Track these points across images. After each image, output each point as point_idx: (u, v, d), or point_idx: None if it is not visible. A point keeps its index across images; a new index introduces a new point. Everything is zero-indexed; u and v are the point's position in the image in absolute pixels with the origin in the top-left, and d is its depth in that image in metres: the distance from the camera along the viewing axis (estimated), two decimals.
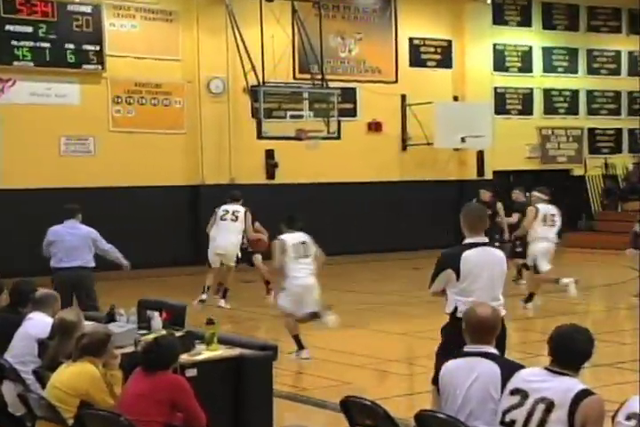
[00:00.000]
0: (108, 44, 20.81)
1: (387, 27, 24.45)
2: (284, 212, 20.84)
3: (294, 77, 22.51)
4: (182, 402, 6.08)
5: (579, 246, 24.24)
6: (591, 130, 28.02)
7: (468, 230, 7.35)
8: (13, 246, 18.49)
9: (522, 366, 5.55)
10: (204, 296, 15.53)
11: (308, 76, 21.81)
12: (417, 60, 24.99)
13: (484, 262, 7.20)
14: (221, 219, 15.35)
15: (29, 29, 19.98)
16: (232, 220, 15.33)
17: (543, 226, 15.20)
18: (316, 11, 22.02)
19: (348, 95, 23.62)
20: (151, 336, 7.17)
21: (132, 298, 9.05)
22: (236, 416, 7.40)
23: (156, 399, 5.98)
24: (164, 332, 7.51)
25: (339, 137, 21.56)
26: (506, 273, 7.45)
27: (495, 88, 26.25)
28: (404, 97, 24.56)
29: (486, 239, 7.41)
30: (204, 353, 7.40)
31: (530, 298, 15.21)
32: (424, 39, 25.08)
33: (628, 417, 4.83)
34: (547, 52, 27.13)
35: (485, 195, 17.61)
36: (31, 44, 20.02)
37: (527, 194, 16.86)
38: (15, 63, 19.95)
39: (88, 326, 7.14)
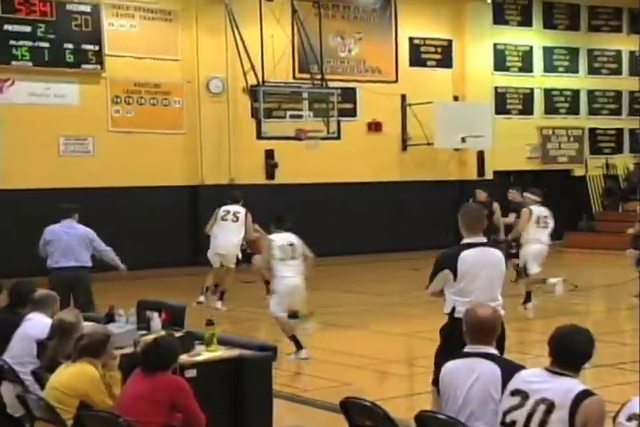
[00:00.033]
0: (107, 44, 20.79)
1: (387, 26, 24.44)
2: (284, 212, 21.03)
3: (294, 77, 22.48)
4: (182, 403, 6.06)
5: (579, 247, 24.22)
6: (592, 130, 28.00)
7: (465, 231, 7.35)
8: (12, 247, 18.45)
9: (522, 367, 5.53)
10: (201, 298, 15.48)
11: (308, 75, 21.77)
12: (417, 60, 24.99)
13: (481, 263, 7.20)
14: (222, 219, 15.34)
15: (28, 29, 19.95)
16: (233, 220, 15.32)
17: (536, 228, 15.20)
18: (315, 10, 22.03)
19: (348, 95, 23.62)
20: (151, 337, 7.16)
21: (131, 299, 9.03)
22: (235, 417, 7.37)
23: (155, 400, 5.97)
24: (163, 332, 7.51)
25: (338, 137, 21.53)
26: (504, 273, 7.43)
27: (496, 88, 26.25)
28: (404, 97, 24.55)
29: (484, 239, 7.41)
30: (203, 354, 7.39)
31: (528, 298, 15.15)
32: (424, 39, 25.08)
33: (629, 418, 4.81)
34: (547, 51, 27.13)
35: (481, 195, 17.59)
36: (30, 43, 20.00)
37: (523, 194, 16.75)
38: (14, 63, 19.92)
39: (87, 326, 7.14)
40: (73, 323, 7.01)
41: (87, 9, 20.58)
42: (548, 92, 27.18)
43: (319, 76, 21.58)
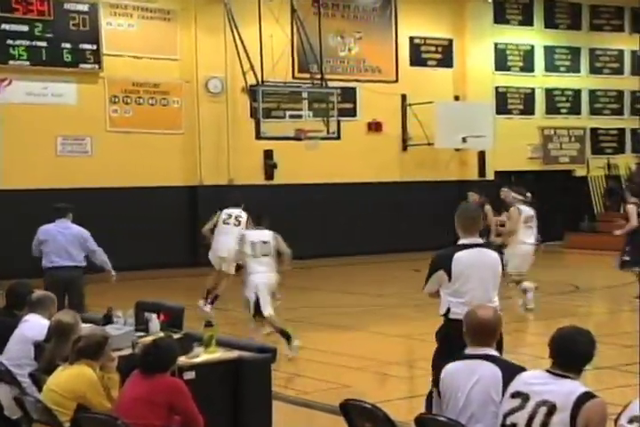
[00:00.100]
0: (105, 44, 20.77)
1: (387, 26, 24.42)
2: (284, 213, 21.12)
3: (293, 77, 22.42)
4: (180, 405, 6.03)
5: (580, 248, 24.15)
6: (593, 130, 27.96)
7: (461, 231, 7.35)
8: (9, 247, 18.37)
9: (523, 369, 5.49)
10: (202, 303, 15.38)
11: (308, 75, 21.68)
12: (417, 60, 24.98)
13: (476, 264, 7.19)
14: (224, 223, 15.26)
15: (25, 28, 19.93)
16: (235, 224, 15.22)
17: (523, 228, 15.13)
18: (315, 9, 21.93)
19: (348, 95, 23.58)
20: (149, 339, 7.18)
21: (129, 300, 9.01)
22: (234, 419, 7.35)
23: (153, 402, 5.93)
24: (161, 334, 7.52)
25: (338, 137, 21.38)
26: (500, 275, 7.40)
27: (496, 88, 26.22)
28: (404, 97, 24.52)
29: (480, 240, 7.43)
30: (202, 356, 7.37)
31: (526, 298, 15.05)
32: (424, 38, 25.07)
33: (631, 420, 4.74)
34: (548, 51, 27.10)
35: (474, 197, 17.52)
36: (27, 43, 19.97)
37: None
38: (11, 62, 19.89)
39: (85, 328, 7.09)
40: (71, 324, 6.99)
41: (85, 8, 20.56)
42: (549, 92, 27.15)
43: (319, 76, 21.47)
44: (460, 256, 7.15)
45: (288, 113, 21.24)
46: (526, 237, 15.10)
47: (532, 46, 26.80)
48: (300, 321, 14.16)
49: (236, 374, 7.36)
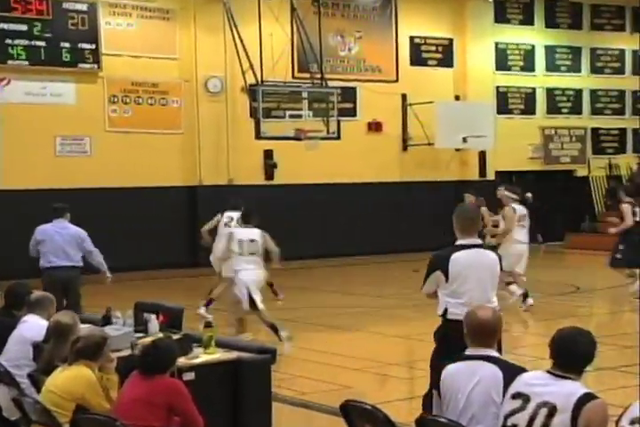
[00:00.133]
0: (104, 43, 20.74)
1: (387, 25, 24.38)
2: (284, 213, 21.09)
3: (293, 76, 22.37)
4: (179, 406, 6.01)
5: (582, 248, 24.07)
6: (595, 130, 27.92)
7: (459, 232, 7.35)
8: (9, 248, 18.30)
9: (524, 370, 5.47)
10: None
11: (308, 75, 21.61)
12: (418, 59, 24.94)
13: (473, 264, 7.19)
14: (225, 226, 15.20)
15: (24, 28, 19.89)
16: (236, 227, 15.16)
17: (516, 227, 15.13)
18: (315, 9, 21.88)
19: (348, 95, 23.54)
20: (148, 339, 7.17)
21: (128, 300, 9.01)
22: (234, 421, 7.35)
23: (152, 404, 5.91)
24: (161, 335, 7.53)
25: (338, 137, 21.29)
26: (498, 275, 7.40)
27: (497, 87, 26.19)
28: (404, 96, 24.48)
29: (479, 241, 7.42)
30: (201, 356, 7.37)
31: (525, 297, 15.02)
32: (425, 38, 25.04)
33: (632, 422, 4.69)
34: (549, 50, 27.06)
35: (470, 198, 17.49)
36: (26, 42, 19.94)
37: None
38: (10, 62, 19.85)
39: (84, 328, 7.07)
40: (69, 325, 6.97)
41: (84, 7, 20.52)
42: (550, 92, 27.11)
43: (319, 76, 21.38)
44: (457, 257, 7.16)
45: (288, 113, 21.22)
46: (520, 236, 15.13)
47: (533, 46, 26.76)
48: (300, 321, 14.20)
49: (235, 375, 7.35)
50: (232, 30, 20.59)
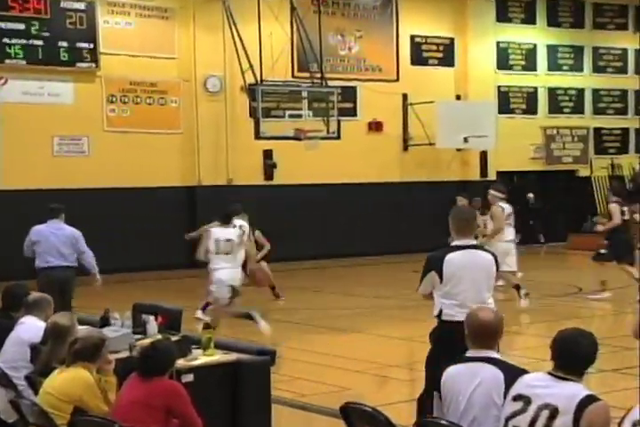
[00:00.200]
0: (103, 42, 20.71)
1: (388, 24, 24.35)
2: (284, 213, 20.99)
3: (293, 76, 22.34)
4: (178, 408, 5.99)
5: (583, 249, 23.91)
6: (597, 130, 27.90)
7: (455, 233, 7.43)
8: (7, 248, 18.19)
9: (525, 371, 5.44)
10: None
11: (307, 74, 21.57)
12: (418, 59, 24.91)
13: (468, 265, 7.24)
14: None
15: (21, 27, 19.85)
16: None
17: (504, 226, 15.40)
18: (315, 8, 21.86)
19: (348, 94, 23.50)
20: (147, 341, 7.17)
21: (126, 301, 9.05)
22: (233, 423, 7.35)
23: (151, 406, 5.89)
24: (159, 336, 7.51)
25: (338, 137, 21.28)
26: (494, 276, 7.45)
27: (499, 87, 26.15)
28: (405, 96, 24.44)
29: (474, 242, 7.53)
30: (200, 358, 7.38)
31: (519, 292, 15.22)
32: (426, 37, 25.01)
33: (634, 424, 4.62)
34: (551, 49, 27.03)
35: (463, 201, 17.50)
36: (23, 41, 19.90)
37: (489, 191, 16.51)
38: (7, 61, 19.81)
39: (81, 330, 7.07)
40: (67, 326, 6.95)
41: (82, 6, 20.48)
42: (552, 91, 27.08)
43: (319, 75, 21.33)
44: (451, 258, 7.22)
45: (288, 112, 21.31)
46: (506, 235, 15.37)
47: (535, 45, 26.74)
48: (300, 323, 14.29)
49: (234, 376, 7.36)
50: (231, 29, 20.55)
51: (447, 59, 25.25)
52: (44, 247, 12.00)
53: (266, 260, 15.98)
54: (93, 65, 20.53)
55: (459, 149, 24.71)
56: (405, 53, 24.62)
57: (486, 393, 5.40)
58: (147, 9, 21.33)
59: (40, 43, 19.95)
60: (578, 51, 27.38)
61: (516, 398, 5.10)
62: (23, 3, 19.75)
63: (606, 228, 16.40)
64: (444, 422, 5.34)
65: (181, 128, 21.76)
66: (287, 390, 9.62)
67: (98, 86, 20.79)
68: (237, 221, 15.26)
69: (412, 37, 24.74)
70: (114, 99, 20.99)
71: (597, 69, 27.77)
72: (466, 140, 23.66)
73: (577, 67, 27.42)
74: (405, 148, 24.62)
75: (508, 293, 15.32)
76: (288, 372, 10.46)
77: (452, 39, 25.28)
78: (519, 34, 26.47)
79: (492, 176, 25.34)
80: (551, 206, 25.96)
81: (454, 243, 7.37)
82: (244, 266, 15.66)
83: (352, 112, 23.62)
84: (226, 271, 12.45)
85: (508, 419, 5.09)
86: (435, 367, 6.78)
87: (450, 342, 6.62)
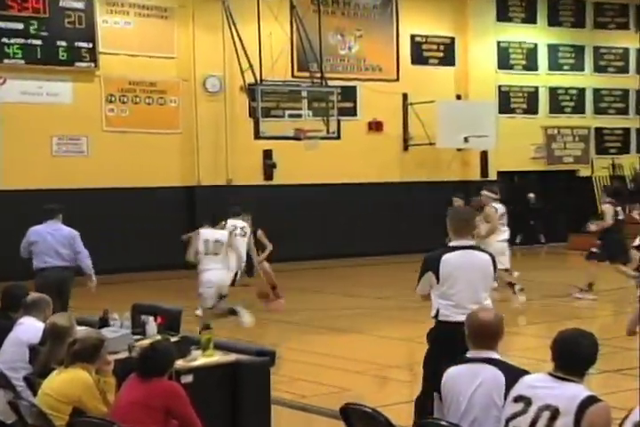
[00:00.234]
0: (102, 42, 20.66)
1: (388, 23, 24.29)
2: (283, 213, 20.93)
3: (293, 76, 22.30)
4: (177, 409, 6.01)
5: (584, 249, 23.76)
6: (598, 129, 27.83)
7: (452, 233, 7.47)
8: (5, 248, 18.13)
9: (526, 372, 5.44)
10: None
11: (307, 74, 21.53)
12: (419, 58, 24.86)
13: (464, 265, 7.26)
14: (231, 234, 15.12)
15: (20, 26, 19.79)
16: (241, 235, 15.36)
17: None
18: (314, 7, 21.80)
19: (348, 94, 23.45)
20: (146, 342, 7.19)
21: (125, 302, 9.07)
22: (232, 424, 7.36)
23: (150, 406, 5.91)
24: (159, 337, 7.53)
25: (338, 137, 21.21)
26: (492, 276, 7.48)
27: (499, 86, 26.09)
28: (405, 96, 24.39)
29: (472, 242, 7.55)
30: (199, 359, 7.41)
31: (513, 289, 15.40)
32: (426, 36, 24.95)
33: (635, 426, 4.64)
34: (552, 49, 26.97)
35: (459, 202, 17.49)
36: (22, 41, 19.85)
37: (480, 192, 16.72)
38: (6, 61, 19.76)
39: (80, 331, 7.08)
40: (66, 327, 6.96)
41: (80, 6, 20.42)
42: (552, 91, 27.02)
43: (318, 75, 21.26)
44: (447, 258, 7.25)
45: (287, 112, 21.26)
46: (500, 235, 15.56)
47: (536, 44, 26.68)
48: (300, 324, 14.33)
49: (234, 377, 7.38)
50: (231, 29, 20.50)
51: (447, 58, 25.19)
52: (41, 248, 12.02)
53: (267, 260, 15.99)
54: (92, 65, 20.48)
55: (459, 149, 24.64)
56: (405, 53, 24.56)
57: (487, 394, 5.40)
58: (146, 8, 21.28)
59: (39, 42, 19.89)
60: (579, 50, 27.31)
61: (517, 399, 5.08)
62: (22, 2, 19.70)
63: (599, 228, 16.55)
64: (443, 422, 5.34)
65: (181, 128, 21.71)
66: (287, 391, 9.61)
67: (97, 86, 20.75)
68: (237, 223, 15.35)
69: (413, 37, 24.67)
70: (113, 98, 20.93)
71: (598, 69, 27.70)
72: (466, 139, 23.61)
73: (578, 66, 27.35)
74: (405, 148, 24.56)
75: (503, 292, 15.30)
76: (288, 373, 10.44)
77: (452, 39, 25.22)
78: (520, 33, 26.40)
79: (492, 176, 25.31)
80: (552, 206, 25.91)
81: (451, 243, 7.41)
82: (250, 269, 15.83)
83: (352, 112, 23.56)
84: (215, 272, 12.65)
85: (508, 420, 5.07)
86: (432, 368, 7.00)
87: (447, 343, 6.67)
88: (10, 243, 17.03)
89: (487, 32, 25.53)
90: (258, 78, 20.01)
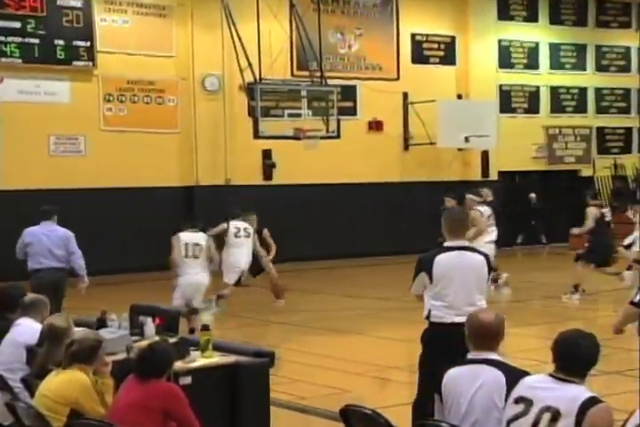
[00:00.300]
0: (99, 40, 20.64)
1: (388, 22, 24.28)
2: (283, 214, 20.85)
3: (292, 75, 22.27)
4: (176, 411, 5.98)
5: None
6: (600, 129, 27.83)
7: (447, 234, 7.48)
8: (3, 249, 18.08)
9: (527, 373, 5.41)
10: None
11: (307, 73, 21.48)
12: (419, 57, 24.84)
13: (457, 266, 7.28)
14: (235, 236, 15.43)
15: (17, 25, 19.76)
16: (245, 236, 15.45)
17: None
18: (314, 5, 21.73)
19: (348, 93, 23.42)
20: (144, 343, 7.15)
21: (123, 303, 9.07)
22: (231, 426, 7.36)
23: (148, 408, 5.89)
24: (157, 338, 7.44)
25: (338, 136, 21.13)
26: (486, 278, 7.49)
27: (500, 86, 26.07)
28: (405, 95, 24.37)
29: (466, 243, 7.57)
30: (198, 360, 7.39)
31: (497, 282, 15.92)
32: (427, 35, 24.94)
33: None
34: (554, 48, 26.97)
35: (451, 202, 17.43)
36: (19, 39, 19.83)
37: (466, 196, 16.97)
38: (3, 60, 19.74)
39: (78, 332, 7.05)
40: (63, 328, 6.93)
41: (78, 4, 20.39)
42: (554, 90, 27.01)
43: (318, 74, 21.20)
44: (440, 259, 7.28)
45: (287, 111, 21.28)
46: (488, 236, 15.89)
47: (537, 43, 26.68)
48: (300, 324, 14.33)
49: (233, 379, 7.37)
50: (230, 27, 20.38)
51: (448, 57, 25.17)
52: (36, 249, 12.06)
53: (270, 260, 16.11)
54: (90, 63, 20.45)
55: (460, 149, 24.61)
56: (406, 52, 24.55)
57: (488, 395, 5.38)
58: (144, 7, 21.26)
59: (36, 41, 19.86)
60: (580, 49, 27.30)
61: (518, 400, 5.06)
62: (19, 0, 19.69)
63: (580, 231, 16.75)
64: (444, 425, 5.35)
65: (179, 127, 21.68)
66: (286, 393, 9.58)
67: (94, 85, 20.72)
68: (239, 224, 15.38)
69: (413, 36, 24.66)
70: (111, 98, 20.90)
71: (600, 68, 27.69)
72: (467, 139, 23.58)
73: (579, 65, 27.34)
74: (406, 147, 24.54)
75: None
76: (287, 374, 10.41)
77: (453, 37, 25.21)
78: (521, 32, 26.39)
79: (493, 176, 25.33)
80: (553, 207, 25.85)
81: (446, 243, 7.43)
82: (257, 270, 15.80)
83: (352, 111, 23.53)
84: (190, 277, 12.81)
85: (509, 422, 5.05)
86: (426, 371, 7.11)
87: (440, 345, 6.77)
88: (7, 243, 17.00)
89: (488, 31, 25.51)
90: (257, 77, 19.94)
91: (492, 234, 16.07)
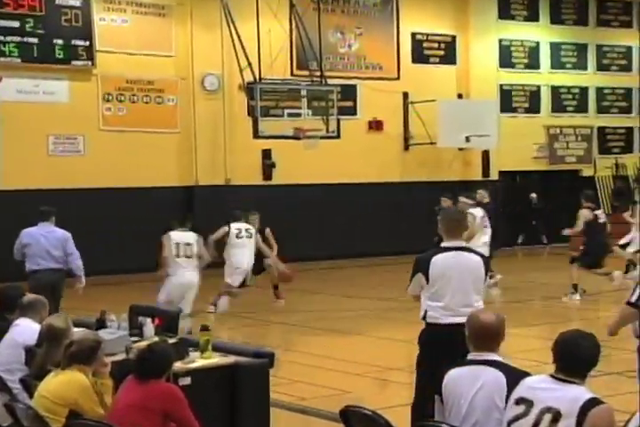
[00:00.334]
0: (99, 40, 20.61)
1: (388, 21, 24.25)
2: (282, 213, 20.81)
3: (292, 74, 22.27)
4: (175, 412, 5.99)
5: None
6: (601, 129, 27.80)
7: (445, 234, 7.47)
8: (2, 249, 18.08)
9: (527, 374, 5.41)
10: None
11: (307, 72, 21.50)
12: (420, 57, 24.82)
13: (454, 267, 7.27)
14: (237, 237, 15.44)
15: (16, 24, 19.73)
16: (247, 237, 15.48)
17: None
18: (314, 5, 21.69)
19: (348, 93, 23.38)
20: (143, 343, 7.18)
21: (122, 303, 9.12)
22: (231, 426, 7.36)
23: (148, 409, 5.89)
24: (156, 339, 7.51)
25: (338, 136, 21.14)
26: (483, 278, 7.48)
27: (501, 85, 26.05)
28: (406, 94, 24.35)
29: (463, 243, 7.56)
30: (198, 361, 7.39)
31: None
32: (427, 34, 24.92)
33: None
34: (555, 47, 26.94)
35: (447, 203, 17.47)
36: (18, 39, 19.79)
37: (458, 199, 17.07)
38: (1, 59, 19.72)
39: (77, 332, 7.06)
40: (62, 329, 6.93)
41: (77, 3, 20.36)
42: (555, 90, 26.99)
43: (318, 73, 21.22)
44: (437, 259, 7.28)
45: (286, 111, 21.14)
46: (481, 238, 16.04)
47: (538, 43, 26.64)
48: (299, 325, 14.35)
49: (232, 379, 7.37)
50: (229, 27, 20.39)
51: (449, 57, 25.15)
52: (34, 250, 12.09)
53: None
54: (89, 63, 20.43)
55: (460, 149, 24.58)
56: (406, 51, 24.52)
57: (488, 396, 5.37)
58: (143, 6, 21.23)
59: (35, 40, 19.84)
60: (581, 48, 27.28)
61: (519, 401, 5.05)
62: (18, 0, 19.61)
63: (571, 232, 16.81)
64: (444, 426, 5.37)
65: (179, 127, 21.65)
66: (286, 394, 9.58)
67: (94, 85, 20.69)
68: (241, 225, 15.51)
69: (413, 35, 24.64)
70: (110, 97, 20.88)
71: (601, 67, 27.66)
72: (467, 139, 23.54)
73: (580, 65, 27.31)
74: (406, 147, 24.51)
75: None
76: (287, 375, 10.40)
77: (453, 37, 25.19)
78: (522, 31, 26.37)
79: (494, 176, 25.33)
80: (554, 207, 25.77)
81: (443, 244, 7.42)
82: (258, 269, 15.79)
83: (352, 111, 23.50)
84: (182, 277, 12.96)
85: (510, 422, 5.05)
86: (424, 372, 7.20)
87: (437, 345, 6.81)
88: (5, 244, 16.96)
89: (489, 30, 25.49)
90: (257, 77, 19.97)
91: (487, 235, 16.21)
